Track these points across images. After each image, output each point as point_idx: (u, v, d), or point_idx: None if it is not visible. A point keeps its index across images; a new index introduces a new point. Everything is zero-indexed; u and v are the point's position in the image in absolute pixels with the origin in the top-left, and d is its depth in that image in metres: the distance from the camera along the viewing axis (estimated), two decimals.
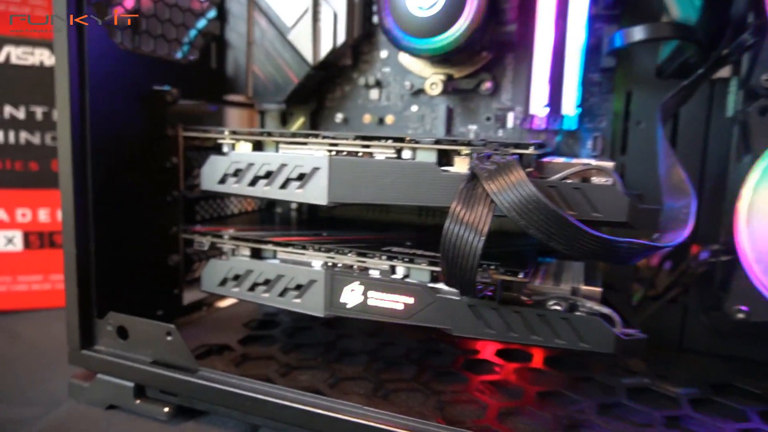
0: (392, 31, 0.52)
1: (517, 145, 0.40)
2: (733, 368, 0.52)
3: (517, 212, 0.34)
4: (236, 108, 0.67)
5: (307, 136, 0.47)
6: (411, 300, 0.44)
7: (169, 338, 0.44)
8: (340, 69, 0.62)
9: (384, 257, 0.45)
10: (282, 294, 0.48)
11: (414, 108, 0.60)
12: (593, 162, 0.40)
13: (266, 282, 0.49)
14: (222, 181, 0.49)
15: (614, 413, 0.44)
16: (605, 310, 0.40)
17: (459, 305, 0.42)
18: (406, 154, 0.44)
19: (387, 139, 0.44)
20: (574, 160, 0.41)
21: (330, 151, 0.46)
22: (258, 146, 0.49)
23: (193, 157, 0.55)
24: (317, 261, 0.48)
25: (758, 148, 0.44)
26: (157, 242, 0.52)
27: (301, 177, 0.46)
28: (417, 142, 0.43)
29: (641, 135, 0.54)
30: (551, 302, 0.41)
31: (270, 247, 0.50)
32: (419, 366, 0.51)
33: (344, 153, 0.45)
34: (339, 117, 0.63)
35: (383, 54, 0.61)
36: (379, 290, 0.45)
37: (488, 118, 0.58)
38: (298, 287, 0.47)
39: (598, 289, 0.41)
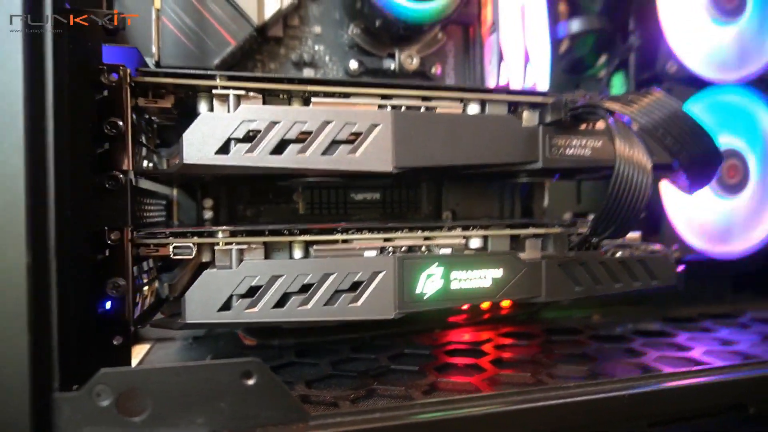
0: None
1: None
2: None
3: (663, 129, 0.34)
4: None
5: (348, 84, 0.37)
6: (499, 272, 0.38)
7: (249, 382, 0.26)
8: (266, 41, 0.51)
9: (459, 229, 0.39)
10: (330, 301, 0.35)
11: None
12: None
13: (305, 289, 0.35)
14: (224, 149, 0.33)
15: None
16: (658, 247, 0.43)
17: (550, 266, 0.39)
18: (473, 109, 0.39)
19: (451, 89, 0.38)
20: None
21: (383, 105, 0.37)
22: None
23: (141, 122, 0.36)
24: (370, 251, 0.37)
25: None
26: (85, 256, 0.31)
27: (353, 139, 0.35)
28: (488, 93, 0.39)
29: None
30: (616, 251, 0.42)
31: (303, 238, 0.36)
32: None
33: (402, 108, 0.37)
34: None
35: (317, 29, 0.53)
36: (463, 269, 0.37)
37: None
38: (355, 286, 0.35)
39: (638, 234, 0.45)
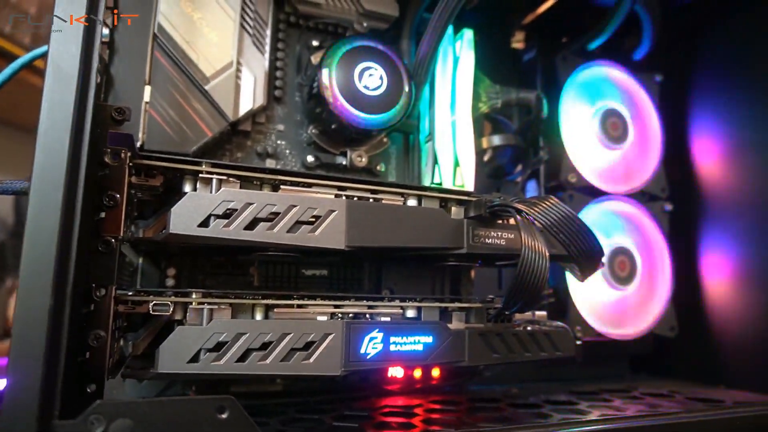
0: (345, 111, 0.55)
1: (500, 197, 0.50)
2: None
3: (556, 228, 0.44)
4: None
5: (311, 177, 0.45)
6: (430, 339, 0.45)
7: (222, 416, 0.31)
8: (235, 134, 0.59)
9: (397, 300, 0.46)
10: (286, 358, 0.40)
11: None
12: None
13: (264, 346, 0.40)
14: (205, 223, 0.40)
15: None
16: (561, 324, 0.52)
17: (472, 336, 0.46)
18: (411, 202, 0.48)
19: (397, 186, 0.47)
20: None
21: (339, 195, 0.45)
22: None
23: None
24: (322, 315, 0.43)
25: None
26: (74, 309, 0.35)
27: (313, 221, 0.43)
28: (424, 190, 0.48)
29: None
30: (527, 326, 0.50)
31: (265, 302, 0.42)
32: None
33: (354, 198, 0.46)
34: None
35: (280, 127, 0.61)
36: (400, 334, 0.44)
37: None
38: (308, 345, 0.41)
39: (544, 312, 0.54)
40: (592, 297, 0.68)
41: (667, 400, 0.60)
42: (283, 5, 0.62)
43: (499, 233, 0.49)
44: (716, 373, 0.69)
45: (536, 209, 0.44)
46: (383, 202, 0.47)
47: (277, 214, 0.42)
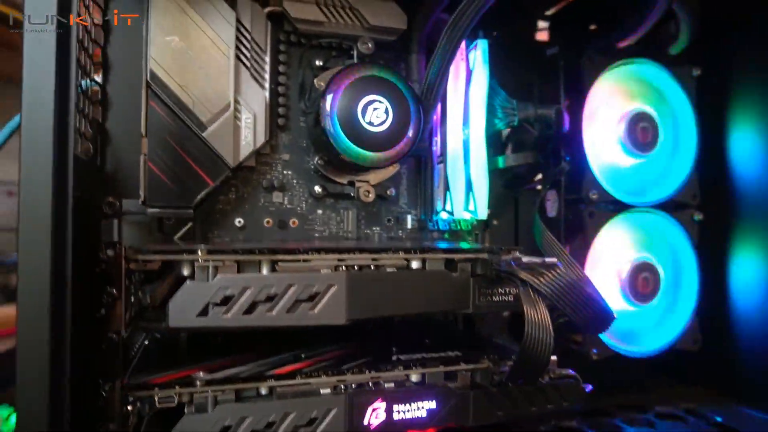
0: (348, 149, 0.53)
1: (509, 250, 0.48)
2: None
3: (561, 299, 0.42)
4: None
5: (308, 251, 0.43)
6: (433, 404, 0.46)
7: None
8: (240, 169, 0.57)
9: (401, 367, 0.46)
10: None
11: (319, 211, 0.61)
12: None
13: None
14: (204, 312, 0.40)
15: None
16: (570, 373, 0.51)
17: (478, 397, 0.47)
18: (415, 264, 0.47)
19: (397, 250, 0.46)
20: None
21: (338, 266, 0.44)
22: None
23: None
24: (325, 388, 0.44)
25: (590, 236, 0.65)
26: (80, 408, 0.37)
27: (312, 297, 0.42)
28: (427, 252, 0.46)
29: (495, 231, 0.70)
30: None
31: (268, 384, 0.42)
32: None
33: (354, 267, 0.45)
34: (239, 221, 0.57)
35: (285, 156, 0.60)
36: (403, 402, 0.45)
37: (389, 220, 0.64)
38: (311, 422, 0.42)
39: (554, 357, 0.53)
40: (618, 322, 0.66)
41: (683, 425, 0.60)
42: (281, 24, 0.58)
43: (507, 289, 0.48)
44: (737, 388, 0.68)
45: (542, 279, 0.42)
46: (385, 267, 0.46)
47: (275, 295, 0.41)
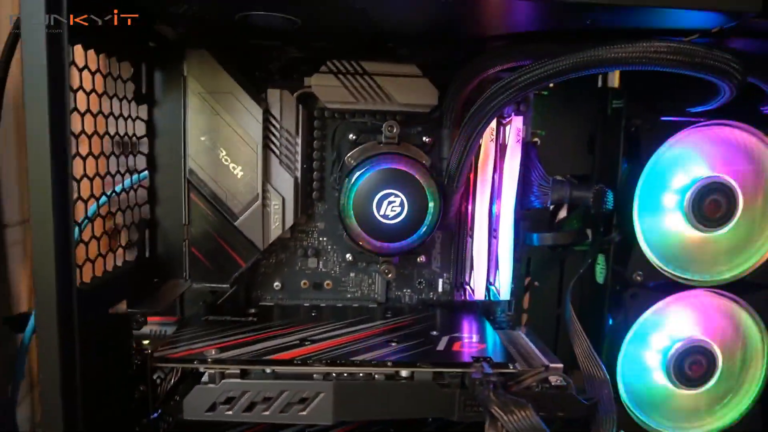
0: (363, 239, 0.56)
1: (497, 365, 0.49)
2: None
3: None
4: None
5: (301, 364, 0.49)
6: None
7: None
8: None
9: None
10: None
11: (352, 274, 0.65)
12: (548, 365, 0.52)
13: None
14: (211, 409, 0.48)
15: None
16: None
17: None
18: (404, 372, 0.50)
19: (386, 364, 0.49)
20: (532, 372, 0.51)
21: (328, 374, 0.49)
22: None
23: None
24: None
25: (631, 318, 0.61)
26: None
27: (303, 401, 0.48)
28: (416, 366, 0.49)
29: (538, 291, 0.68)
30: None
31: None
32: None
33: (344, 375, 0.49)
34: (277, 285, 0.64)
35: (320, 225, 0.64)
36: None
37: (420, 283, 0.66)
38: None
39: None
40: (658, 400, 0.63)
41: None
42: (314, 103, 0.60)
43: None
44: None
45: (510, 417, 0.43)
46: (374, 375, 0.49)
47: (270, 398, 0.48)
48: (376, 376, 0.49)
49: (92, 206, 0.49)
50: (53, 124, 0.35)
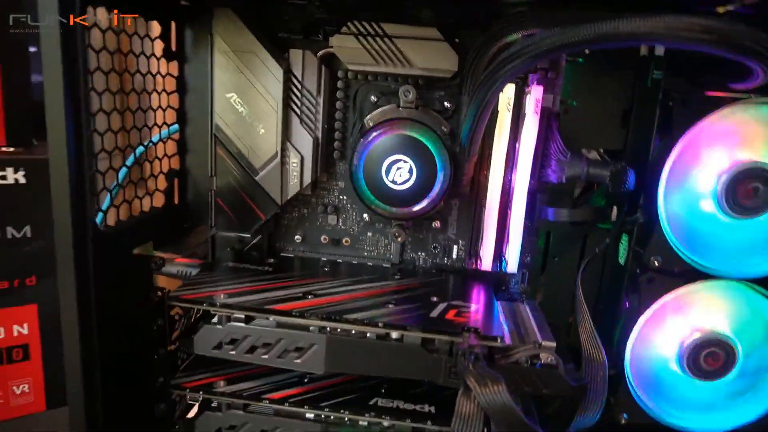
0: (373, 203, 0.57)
1: (485, 337, 0.50)
2: None
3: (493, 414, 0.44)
4: None
5: (302, 315, 0.52)
6: None
7: None
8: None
9: (372, 413, 0.54)
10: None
11: (369, 234, 0.67)
12: (540, 342, 0.52)
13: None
14: (218, 347, 0.53)
15: None
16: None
17: None
18: (395, 334, 0.52)
19: (377, 324, 0.51)
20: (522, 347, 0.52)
21: (323, 327, 0.52)
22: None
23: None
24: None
25: (645, 303, 0.59)
26: (143, 396, 0.54)
27: (299, 349, 0.52)
28: (405, 329, 0.51)
29: (556, 267, 0.67)
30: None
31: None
32: None
33: (338, 330, 0.52)
34: (298, 238, 0.68)
35: (341, 184, 0.66)
36: None
37: (435, 248, 0.67)
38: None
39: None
40: (668, 388, 0.61)
41: None
42: (337, 66, 0.61)
43: None
44: None
45: (483, 390, 0.45)
46: (365, 334, 0.52)
47: (269, 343, 0.52)
48: (368, 334, 0.52)
49: (130, 156, 0.54)
50: (67, 82, 0.39)
